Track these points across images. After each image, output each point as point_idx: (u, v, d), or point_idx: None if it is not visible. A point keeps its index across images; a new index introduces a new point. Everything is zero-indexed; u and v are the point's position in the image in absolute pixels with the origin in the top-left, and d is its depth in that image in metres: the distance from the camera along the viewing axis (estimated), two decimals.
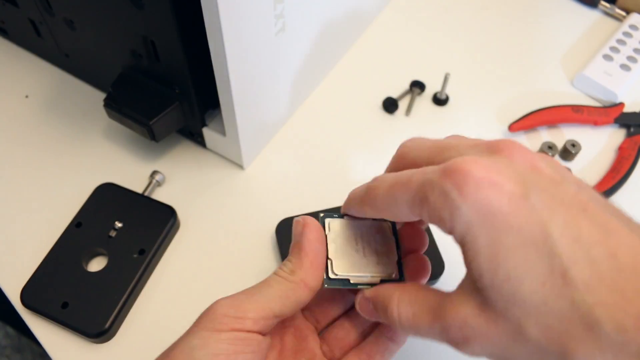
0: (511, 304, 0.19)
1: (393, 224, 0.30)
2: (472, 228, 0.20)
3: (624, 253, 0.19)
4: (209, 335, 0.24)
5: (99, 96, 0.49)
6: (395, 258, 0.29)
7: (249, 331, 0.25)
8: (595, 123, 0.50)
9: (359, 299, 0.28)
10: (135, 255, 0.39)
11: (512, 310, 0.19)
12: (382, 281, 0.28)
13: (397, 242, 0.29)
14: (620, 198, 0.45)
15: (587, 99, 0.53)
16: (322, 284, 0.28)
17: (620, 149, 0.48)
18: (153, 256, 0.39)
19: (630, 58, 0.54)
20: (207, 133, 0.44)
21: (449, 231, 0.21)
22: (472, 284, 0.21)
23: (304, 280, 0.27)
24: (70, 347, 0.37)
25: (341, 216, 0.29)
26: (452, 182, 0.20)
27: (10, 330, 0.98)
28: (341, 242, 0.29)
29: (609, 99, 0.52)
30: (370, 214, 0.26)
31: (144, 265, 0.38)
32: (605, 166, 0.48)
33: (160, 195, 0.44)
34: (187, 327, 0.25)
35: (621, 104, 0.50)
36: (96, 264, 0.40)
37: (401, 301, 0.24)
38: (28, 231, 0.42)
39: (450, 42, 0.56)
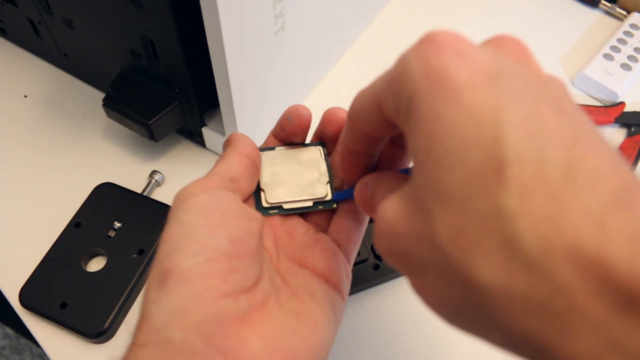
0: (432, 196, 0.16)
1: (322, 146, 0.30)
2: (418, 96, 0.16)
3: (586, 167, 0.14)
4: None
5: (98, 96, 0.49)
6: (327, 179, 0.29)
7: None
8: (596, 123, 0.50)
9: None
10: (134, 255, 0.39)
11: (430, 203, 0.16)
12: (315, 204, 0.29)
13: (328, 164, 0.30)
14: None
15: (588, 98, 0.52)
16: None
17: (621, 148, 0.48)
18: (152, 256, 0.39)
19: (631, 57, 0.53)
20: (207, 133, 0.44)
21: (397, 108, 0.18)
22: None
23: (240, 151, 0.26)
24: (69, 348, 0.37)
25: (271, 148, 0.30)
26: (416, 50, 0.17)
27: (8, 330, 0.98)
28: (273, 172, 0.29)
29: (609, 98, 0.51)
30: (349, 126, 0.24)
31: (143, 265, 0.38)
32: None
33: (160, 195, 0.44)
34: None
35: (622, 104, 0.50)
36: (95, 264, 0.40)
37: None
38: (26, 231, 0.42)
39: None
